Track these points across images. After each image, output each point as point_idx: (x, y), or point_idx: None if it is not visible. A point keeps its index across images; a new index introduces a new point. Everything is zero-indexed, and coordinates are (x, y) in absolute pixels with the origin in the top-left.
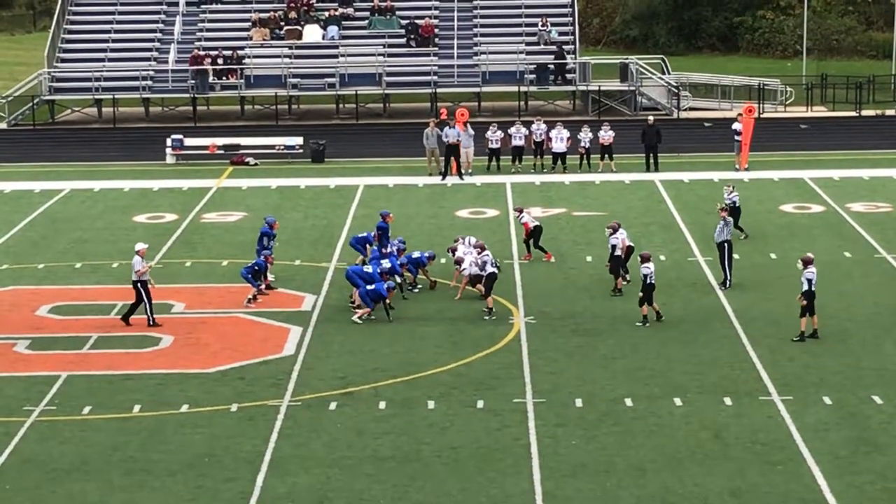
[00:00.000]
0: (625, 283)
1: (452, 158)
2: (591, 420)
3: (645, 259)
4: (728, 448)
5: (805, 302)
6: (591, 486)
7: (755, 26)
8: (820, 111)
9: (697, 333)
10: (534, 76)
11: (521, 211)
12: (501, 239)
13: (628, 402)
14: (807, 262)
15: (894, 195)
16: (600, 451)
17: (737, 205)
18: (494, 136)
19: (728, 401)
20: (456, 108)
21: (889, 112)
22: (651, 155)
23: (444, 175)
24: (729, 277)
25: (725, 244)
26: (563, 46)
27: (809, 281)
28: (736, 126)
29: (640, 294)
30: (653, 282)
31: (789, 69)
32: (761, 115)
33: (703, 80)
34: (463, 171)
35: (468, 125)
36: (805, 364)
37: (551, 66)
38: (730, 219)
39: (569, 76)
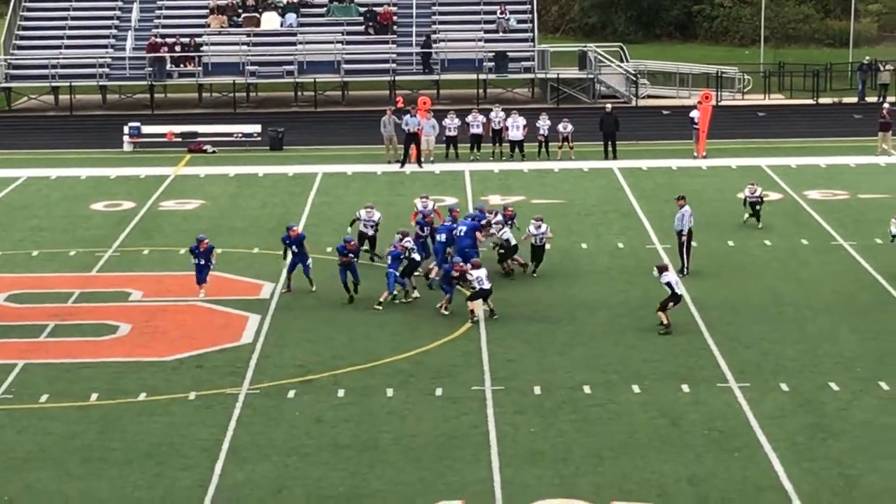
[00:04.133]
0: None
1: (412, 146)
2: (550, 407)
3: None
4: (685, 435)
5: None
6: (550, 473)
7: (713, 14)
8: (777, 99)
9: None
10: (492, 64)
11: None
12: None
13: (586, 389)
14: (662, 270)
15: (851, 183)
16: (558, 439)
17: (762, 200)
18: (452, 123)
19: (686, 388)
20: (417, 97)
21: (846, 100)
22: (609, 143)
23: (403, 163)
24: (686, 266)
25: (684, 233)
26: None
27: (668, 284)
28: (693, 114)
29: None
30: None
31: (747, 57)
32: (719, 103)
33: (661, 68)
34: (423, 159)
35: (430, 113)
36: (762, 351)
37: (510, 54)
38: (689, 208)
39: (527, 64)
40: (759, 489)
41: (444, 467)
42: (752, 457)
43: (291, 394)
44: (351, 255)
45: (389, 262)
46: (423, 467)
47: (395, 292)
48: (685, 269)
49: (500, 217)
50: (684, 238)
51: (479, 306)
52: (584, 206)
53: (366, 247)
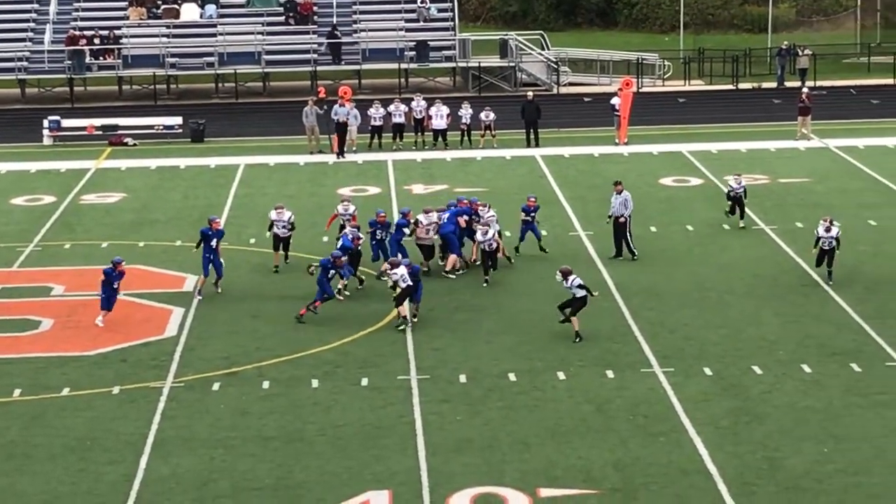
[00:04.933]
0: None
1: (337, 136)
2: (476, 396)
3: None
4: (611, 420)
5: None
6: (476, 461)
7: (633, 1)
8: (697, 85)
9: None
10: (414, 53)
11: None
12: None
13: (512, 377)
14: (566, 274)
15: (771, 167)
16: (484, 427)
17: (743, 194)
18: (378, 113)
19: (610, 373)
20: (339, 87)
21: (766, 85)
22: (531, 130)
23: (341, 153)
24: (632, 249)
25: (623, 217)
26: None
27: (580, 286)
28: (615, 101)
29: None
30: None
31: (667, 43)
32: (640, 90)
33: (582, 56)
34: (346, 149)
35: (352, 103)
36: (686, 336)
37: (431, 43)
38: (628, 193)
39: (448, 53)
40: (684, 473)
41: (370, 457)
42: (676, 441)
43: (216, 386)
44: (338, 270)
45: (320, 271)
46: (349, 457)
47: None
48: (619, 253)
49: (492, 213)
50: (622, 221)
51: (406, 308)
52: (506, 194)
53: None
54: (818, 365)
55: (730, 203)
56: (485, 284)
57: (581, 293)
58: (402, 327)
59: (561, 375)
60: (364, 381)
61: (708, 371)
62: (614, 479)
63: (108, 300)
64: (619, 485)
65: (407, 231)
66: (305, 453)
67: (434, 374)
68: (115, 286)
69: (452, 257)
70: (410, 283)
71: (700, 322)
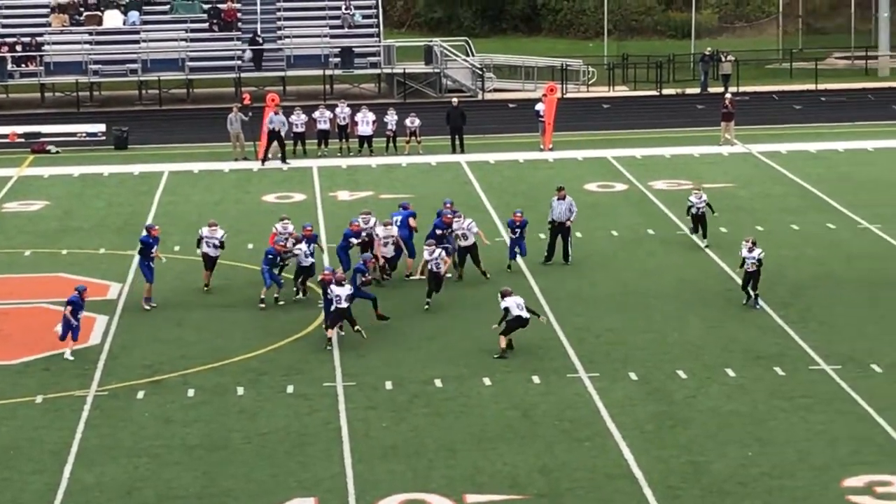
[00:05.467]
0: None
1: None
2: (402, 402)
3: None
4: (536, 426)
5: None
6: (402, 467)
7: (557, 7)
8: (622, 91)
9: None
10: (338, 59)
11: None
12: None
13: (438, 383)
14: (505, 295)
15: (695, 173)
16: (411, 433)
17: (702, 211)
18: (299, 120)
19: (536, 379)
20: (265, 93)
21: (689, 91)
22: (456, 137)
23: (284, 159)
24: (549, 256)
25: (568, 223)
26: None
27: (506, 309)
28: (539, 107)
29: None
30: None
31: (591, 49)
32: (564, 96)
33: (506, 62)
34: (272, 156)
35: (279, 110)
36: (611, 341)
37: (356, 50)
38: (570, 199)
39: (373, 59)
40: (609, 477)
41: (296, 464)
42: (602, 446)
43: (140, 395)
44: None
45: (264, 258)
46: (275, 465)
47: (275, 294)
48: (551, 258)
49: (469, 221)
50: (567, 227)
51: (335, 331)
52: (432, 201)
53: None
54: (742, 369)
55: (691, 220)
56: (426, 307)
57: (518, 314)
58: (328, 347)
59: (487, 381)
60: (290, 389)
61: (633, 376)
62: (540, 485)
63: (74, 329)
64: (544, 490)
65: (355, 241)
66: (231, 461)
67: (360, 381)
68: (79, 317)
69: (409, 261)
70: (344, 305)
71: (625, 327)
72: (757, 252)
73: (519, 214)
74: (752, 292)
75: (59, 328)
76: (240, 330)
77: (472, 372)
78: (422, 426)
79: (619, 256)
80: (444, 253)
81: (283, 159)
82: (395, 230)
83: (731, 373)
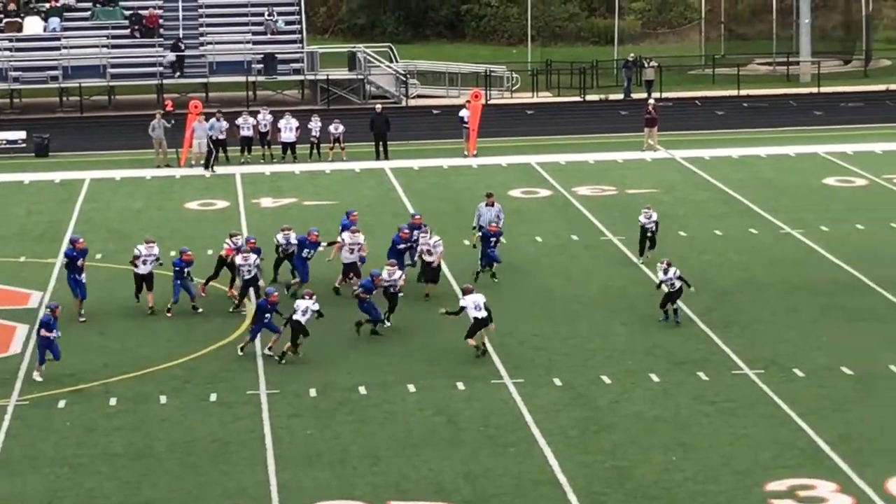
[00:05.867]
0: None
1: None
2: (326, 409)
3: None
4: (461, 432)
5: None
6: (327, 474)
7: (481, 14)
8: (545, 97)
9: (429, 319)
10: (261, 66)
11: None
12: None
13: (362, 390)
14: (465, 292)
15: (619, 178)
16: (335, 440)
17: (654, 229)
18: (221, 126)
19: (461, 385)
20: (187, 100)
21: (612, 97)
22: (380, 143)
23: (208, 166)
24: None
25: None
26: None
27: (476, 307)
28: (463, 113)
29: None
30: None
31: (515, 56)
32: (488, 102)
33: (430, 68)
34: (196, 162)
35: (201, 116)
36: (535, 347)
37: (279, 56)
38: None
39: (296, 65)
40: (534, 483)
41: (220, 473)
42: (526, 451)
43: (62, 404)
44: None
45: (174, 270)
46: (199, 473)
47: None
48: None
49: (435, 238)
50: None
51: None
52: (356, 207)
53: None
54: (666, 374)
55: (646, 239)
56: (387, 324)
57: (476, 315)
58: (282, 361)
59: (411, 388)
60: (213, 397)
61: (557, 381)
62: (465, 491)
63: (53, 351)
64: (469, 496)
65: (312, 249)
66: (154, 470)
67: (284, 389)
68: (53, 337)
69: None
70: (302, 319)
71: (549, 333)
72: (673, 271)
73: (494, 226)
74: (671, 308)
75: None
76: (163, 338)
77: (397, 378)
78: (346, 433)
79: (543, 262)
80: (403, 276)
81: (208, 166)
82: (361, 237)
83: (654, 378)
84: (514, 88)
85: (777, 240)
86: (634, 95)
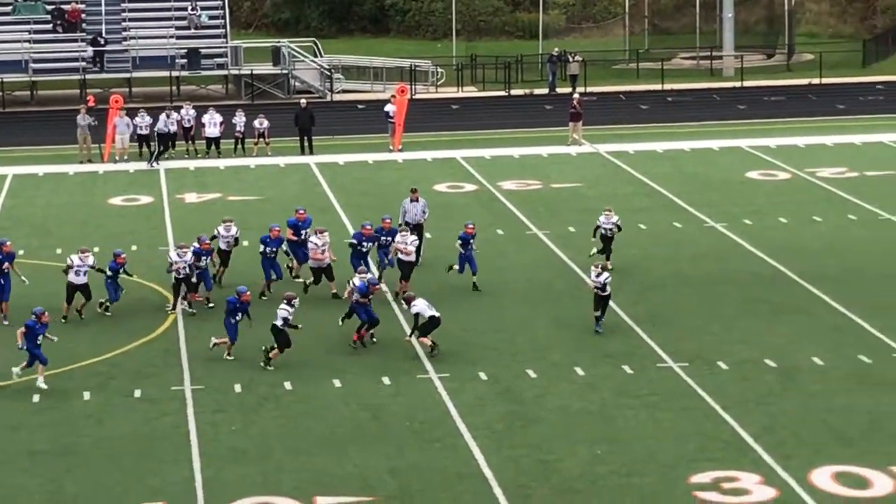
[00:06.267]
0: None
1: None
2: (251, 405)
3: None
4: (387, 427)
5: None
6: (252, 471)
7: (405, 8)
8: (470, 91)
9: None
10: (185, 61)
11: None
12: (156, 225)
13: (287, 385)
14: (410, 301)
15: (544, 173)
16: (260, 436)
17: (612, 233)
18: (143, 122)
19: (386, 380)
20: (109, 95)
21: (537, 91)
22: (305, 138)
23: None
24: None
25: (417, 225)
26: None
27: (417, 315)
28: (389, 107)
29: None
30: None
31: (439, 50)
32: (413, 97)
33: (355, 63)
34: (120, 158)
35: (123, 112)
36: (461, 341)
37: (202, 51)
38: (424, 201)
39: (220, 60)
40: (459, 478)
41: (144, 469)
42: (452, 446)
43: None
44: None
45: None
46: (123, 470)
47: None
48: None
49: (412, 239)
50: (422, 223)
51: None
52: (281, 203)
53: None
54: (591, 368)
55: (599, 240)
56: (340, 323)
57: (431, 314)
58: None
59: (337, 383)
60: (137, 393)
61: (483, 376)
62: (391, 486)
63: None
64: (395, 491)
65: (274, 247)
66: (78, 466)
67: (208, 385)
68: (39, 342)
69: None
70: (278, 323)
71: (475, 327)
72: (605, 276)
73: (471, 227)
74: (600, 315)
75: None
76: (87, 334)
77: (322, 374)
78: (271, 429)
79: None
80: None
81: (152, 160)
82: (327, 237)
83: (580, 371)
84: (439, 83)
85: (701, 233)
86: (559, 90)
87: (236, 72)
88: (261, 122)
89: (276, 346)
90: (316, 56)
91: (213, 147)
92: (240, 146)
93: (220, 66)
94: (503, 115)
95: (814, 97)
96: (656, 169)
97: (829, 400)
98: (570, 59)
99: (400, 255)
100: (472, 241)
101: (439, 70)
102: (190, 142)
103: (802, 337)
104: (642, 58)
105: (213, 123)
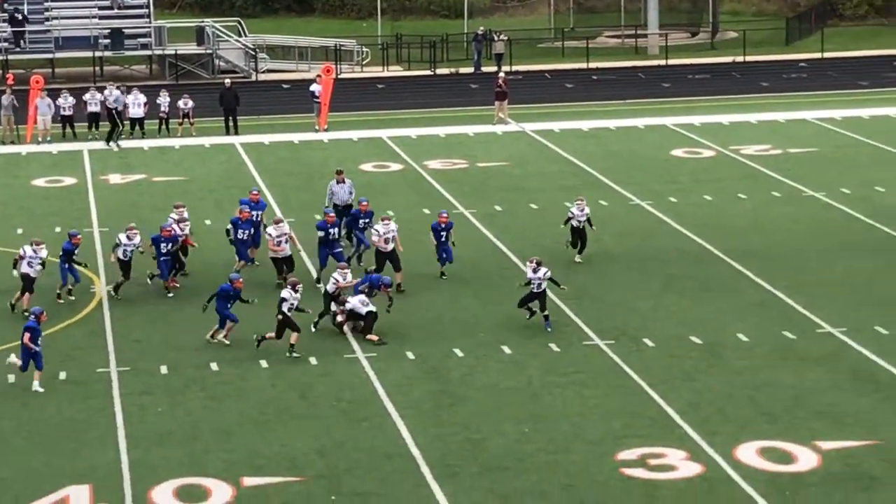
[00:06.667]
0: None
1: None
2: (177, 387)
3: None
4: (314, 407)
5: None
6: (179, 452)
7: None
8: (396, 71)
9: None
10: (108, 41)
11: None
12: (80, 208)
13: (214, 366)
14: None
15: (469, 152)
16: (187, 418)
17: (583, 225)
18: (67, 102)
19: (313, 360)
20: (31, 75)
21: (463, 70)
22: (230, 118)
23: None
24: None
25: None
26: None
27: (362, 303)
28: (314, 87)
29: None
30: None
31: (364, 29)
32: (339, 76)
33: (280, 42)
34: (41, 139)
35: (44, 93)
36: (389, 320)
37: (126, 31)
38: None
39: (144, 40)
40: (387, 457)
41: (70, 451)
42: (380, 426)
43: None
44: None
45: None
46: (48, 452)
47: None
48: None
49: (392, 226)
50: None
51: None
52: (206, 183)
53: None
54: (518, 346)
55: (570, 232)
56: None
57: (368, 310)
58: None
59: (264, 363)
60: (62, 375)
61: (410, 355)
62: (319, 466)
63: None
64: (323, 471)
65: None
66: (2, 450)
67: (135, 366)
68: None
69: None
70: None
71: (402, 306)
72: (542, 271)
73: (444, 216)
74: (541, 313)
75: (15, 359)
76: (11, 317)
77: (249, 355)
78: (198, 410)
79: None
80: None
81: (110, 140)
82: (286, 227)
83: (507, 350)
84: (364, 62)
85: (626, 211)
86: (485, 69)
87: (160, 52)
88: (185, 103)
89: (276, 332)
90: (240, 36)
91: (136, 128)
92: (164, 126)
93: (144, 47)
94: (429, 94)
95: (738, 75)
96: (582, 147)
97: (754, 376)
98: (496, 38)
99: (380, 246)
100: (444, 231)
101: (364, 49)
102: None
103: (727, 313)
104: (567, 36)
105: (136, 104)
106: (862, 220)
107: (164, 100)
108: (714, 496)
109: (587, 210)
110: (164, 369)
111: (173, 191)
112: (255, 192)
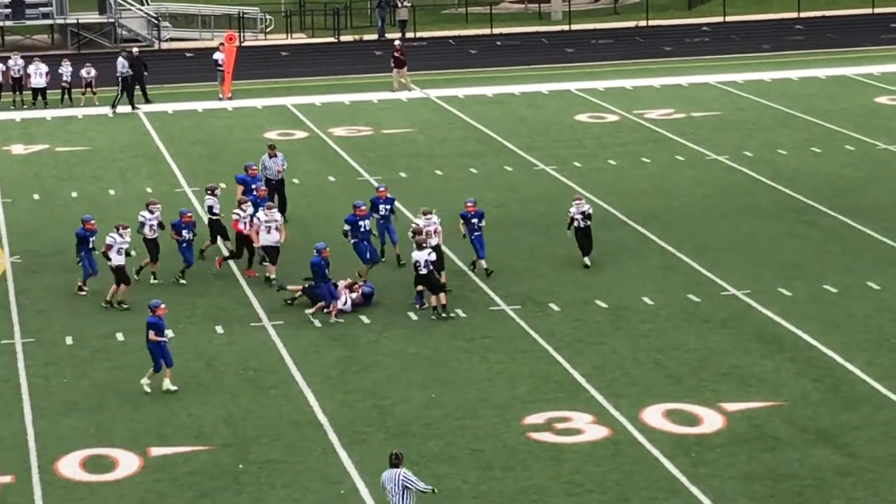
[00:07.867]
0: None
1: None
2: (83, 357)
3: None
4: (220, 376)
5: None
6: (85, 423)
7: None
8: (300, 38)
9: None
10: (9, 10)
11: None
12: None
13: (119, 336)
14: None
15: (374, 119)
16: (92, 388)
17: (587, 225)
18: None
19: (220, 329)
20: None
21: (367, 37)
22: (138, 86)
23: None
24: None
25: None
26: None
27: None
28: (217, 55)
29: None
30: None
31: None
32: (242, 44)
33: (183, 10)
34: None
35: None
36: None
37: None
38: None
39: (45, 10)
40: (295, 425)
41: None
42: (287, 393)
43: None
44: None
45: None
46: None
47: None
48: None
49: (434, 219)
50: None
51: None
52: (110, 153)
53: None
54: (425, 312)
55: (574, 235)
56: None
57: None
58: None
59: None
60: None
61: (317, 323)
62: (225, 434)
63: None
64: (230, 440)
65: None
66: None
67: (39, 337)
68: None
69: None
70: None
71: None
72: (427, 253)
73: (471, 204)
74: (438, 304)
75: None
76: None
77: None
78: (103, 380)
79: (301, 204)
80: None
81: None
82: (277, 214)
83: (413, 316)
84: (267, 30)
85: (531, 176)
86: (388, 35)
87: (62, 21)
88: (88, 72)
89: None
90: (143, 4)
91: (39, 98)
92: (66, 96)
93: (46, 16)
94: (333, 61)
95: (641, 40)
96: (486, 113)
97: (660, 339)
98: (399, 5)
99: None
100: (475, 219)
101: (268, 17)
102: (17, 92)
103: (632, 277)
104: (471, 2)
105: (38, 73)
106: (765, 183)
107: (66, 69)
108: (620, 459)
109: (587, 208)
110: (69, 340)
111: (76, 161)
112: (253, 167)
